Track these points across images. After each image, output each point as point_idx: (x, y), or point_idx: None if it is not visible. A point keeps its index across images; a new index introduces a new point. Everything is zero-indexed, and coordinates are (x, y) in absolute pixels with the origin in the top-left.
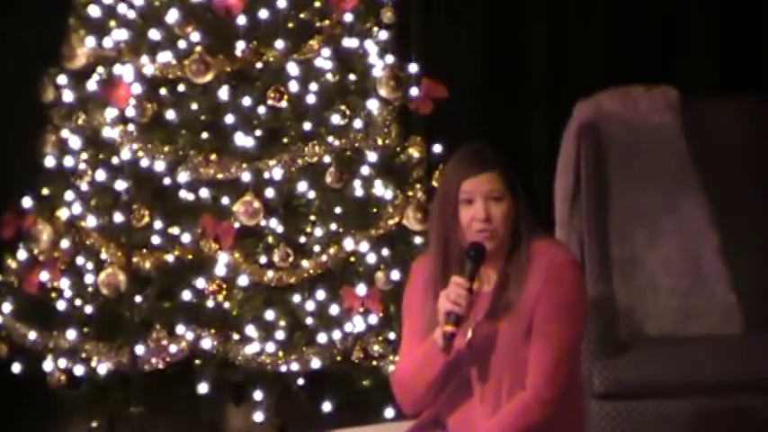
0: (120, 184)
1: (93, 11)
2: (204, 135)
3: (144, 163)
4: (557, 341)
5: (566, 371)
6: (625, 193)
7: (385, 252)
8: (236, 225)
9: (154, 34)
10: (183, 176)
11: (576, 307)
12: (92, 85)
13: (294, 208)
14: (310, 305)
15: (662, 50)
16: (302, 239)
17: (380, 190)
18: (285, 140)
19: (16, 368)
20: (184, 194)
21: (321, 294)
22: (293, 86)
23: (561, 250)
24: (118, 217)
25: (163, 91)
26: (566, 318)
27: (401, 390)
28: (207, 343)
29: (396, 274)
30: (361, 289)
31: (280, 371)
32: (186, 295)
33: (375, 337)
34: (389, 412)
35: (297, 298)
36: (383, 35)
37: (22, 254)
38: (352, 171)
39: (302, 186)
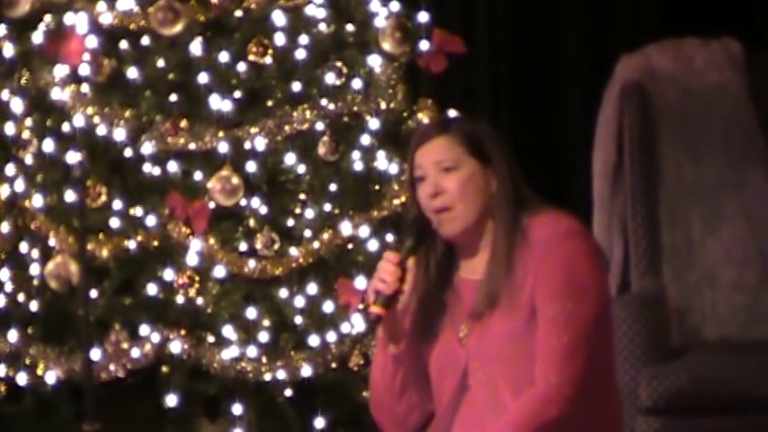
0: (72, 156)
1: None
2: (173, 97)
3: (100, 131)
4: (564, 324)
5: (582, 361)
6: (678, 168)
7: (389, 237)
8: (211, 205)
9: None
10: (148, 147)
11: (586, 281)
12: (37, 37)
13: (280, 185)
14: (299, 301)
15: None
16: (290, 223)
17: (383, 163)
18: (269, 104)
19: None
20: (149, 168)
21: (312, 288)
22: (279, 39)
23: (563, 220)
24: (69, 195)
25: (123, 44)
26: (573, 295)
27: (371, 403)
28: (176, 346)
29: None
30: (360, 282)
31: (263, 380)
32: (151, 289)
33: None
34: None
35: (283, 293)
36: None
37: None
38: (349, 141)
39: (290, 159)
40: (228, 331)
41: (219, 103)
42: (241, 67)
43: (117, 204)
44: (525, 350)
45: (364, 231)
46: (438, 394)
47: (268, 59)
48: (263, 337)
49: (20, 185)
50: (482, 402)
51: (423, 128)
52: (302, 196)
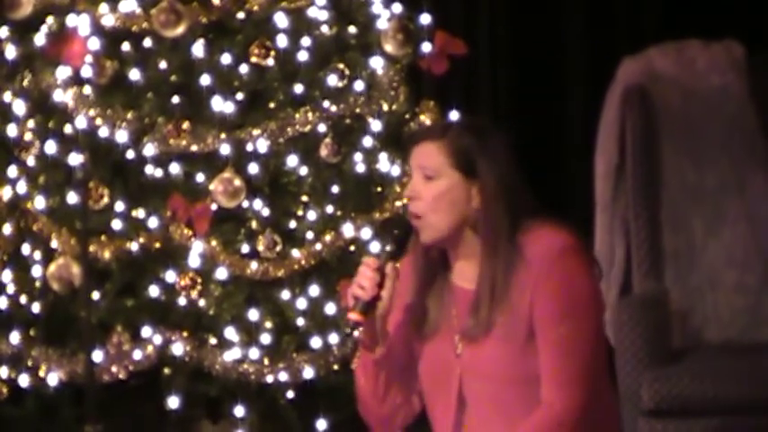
0: (75, 158)
1: None
2: (175, 99)
3: (102, 132)
4: (570, 347)
5: (589, 381)
6: (680, 170)
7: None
8: (213, 207)
9: None
10: (150, 149)
11: (586, 299)
12: (40, 38)
13: (282, 187)
14: (302, 303)
15: None
16: (292, 224)
17: (386, 165)
18: (272, 106)
19: None
20: (151, 170)
21: (315, 290)
22: (281, 41)
23: (556, 235)
24: (71, 197)
25: (125, 46)
26: (574, 316)
27: (359, 404)
28: (178, 348)
29: None
30: None
31: (265, 382)
32: (153, 291)
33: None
34: None
35: (285, 294)
36: None
37: None
38: (351, 142)
39: (292, 161)
40: (230, 333)
41: (222, 105)
42: (243, 68)
43: (119, 206)
44: (524, 369)
45: (366, 233)
46: (432, 401)
47: (270, 61)
48: (265, 338)
49: (22, 187)
50: (485, 424)
51: (420, 128)
52: (304, 198)
